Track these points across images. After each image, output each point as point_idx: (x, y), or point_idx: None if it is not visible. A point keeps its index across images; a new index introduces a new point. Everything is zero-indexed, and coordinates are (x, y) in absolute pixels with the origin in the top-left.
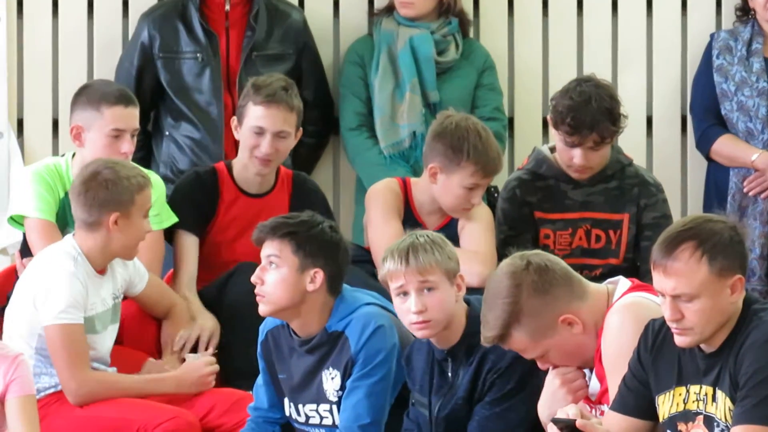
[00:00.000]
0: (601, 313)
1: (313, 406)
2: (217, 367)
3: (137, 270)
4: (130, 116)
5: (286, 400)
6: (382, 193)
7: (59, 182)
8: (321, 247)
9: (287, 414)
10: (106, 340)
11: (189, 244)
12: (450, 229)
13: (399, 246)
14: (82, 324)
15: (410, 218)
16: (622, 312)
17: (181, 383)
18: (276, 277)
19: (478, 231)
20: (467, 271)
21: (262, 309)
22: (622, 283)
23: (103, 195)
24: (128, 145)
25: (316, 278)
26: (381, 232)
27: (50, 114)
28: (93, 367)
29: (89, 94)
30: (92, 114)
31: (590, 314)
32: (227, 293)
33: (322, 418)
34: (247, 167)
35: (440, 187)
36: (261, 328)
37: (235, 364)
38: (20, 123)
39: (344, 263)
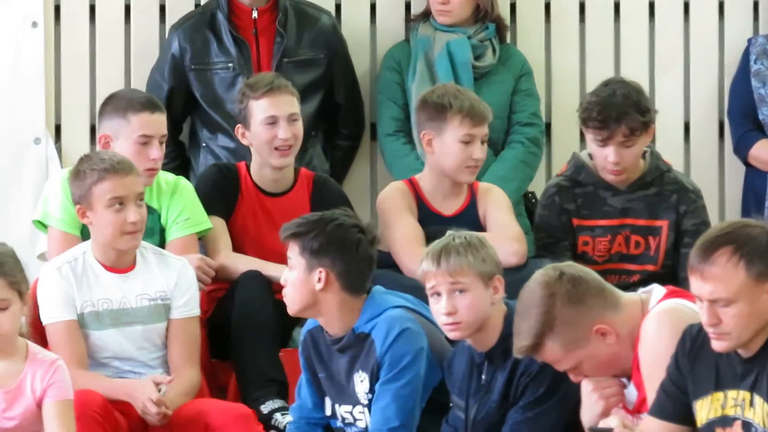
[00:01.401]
0: (636, 322)
1: (349, 408)
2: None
3: (179, 287)
4: (158, 122)
5: (327, 400)
6: (389, 196)
7: None
8: (326, 246)
9: (328, 414)
10: (116, 337)
11: (219, 224)
12: (470, 213)
13: (434, 247)
14: (61, 322)
15: (426, 212)
16: (659, 318)
17: (129, 397)
18: (291, 278)
19: (501, 214)
20: (505, 251)
21: (288, 309)
22: (657, 290)
23: (72, 191)
24: (157, 151)
25: (322, 278)
26: (396, 230)
27: (87, 119)
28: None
29: (115, 103)
30: (119, 122)
31: (624, 324)
32: (234, 303)
33: (356, 419)
34: (263, 168)
35: (438, 153)
36: (303, 328)
37: (247, 375)
38: (58, 129)
39: (360, 261)
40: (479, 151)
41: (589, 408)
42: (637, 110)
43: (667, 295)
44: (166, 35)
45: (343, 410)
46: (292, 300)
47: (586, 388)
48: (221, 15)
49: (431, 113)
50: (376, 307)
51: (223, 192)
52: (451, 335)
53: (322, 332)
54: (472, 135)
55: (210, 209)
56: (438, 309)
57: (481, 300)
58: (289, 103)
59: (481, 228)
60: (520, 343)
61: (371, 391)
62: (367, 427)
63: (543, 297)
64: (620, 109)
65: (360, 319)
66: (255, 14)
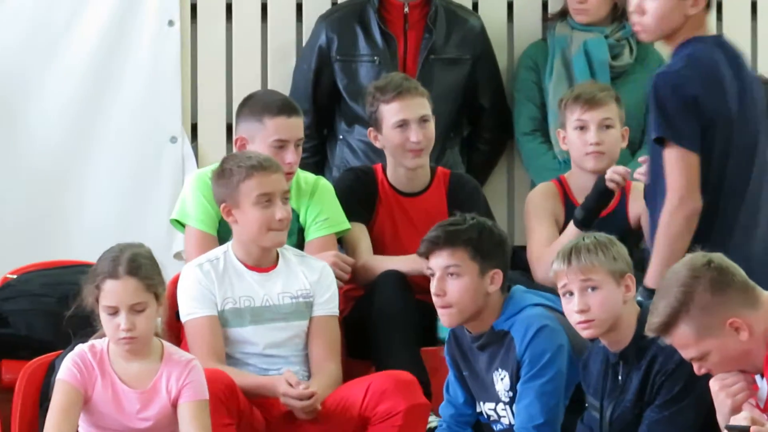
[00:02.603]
0: None
1: (492, 405)
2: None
3: (321, 285)
4: (294, 126)
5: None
6: (531, 199)
7: None
8: (495, 246)
9: (478, 410)
10: (257, 334)
11: (359, 229)
12: (619, 212)
13: (565, 247)
14: (200, 317)
15: (573, 212)
16: None
17: (273, 392)
18: (459, 286)
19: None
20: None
21: (448, 321)
22: None
23: (215, 190)
24: (292, 155)
25: (495, 279)
26: (532, 237)
27: (224, 119)
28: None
29: (252, 105)
30: (255, 125)
31: (760, 322)
32: (374, 302)
33: (500, 416)
34: (397, 169)
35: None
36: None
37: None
38: (194, 128)
39: (510, 259)
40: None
41: (719, 407)
42: None
43: None
44: (304, 32)
45: (487, 407)
46: (462, 308)
47: (713, 388)
48: (371, 9)
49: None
50: (515, 305)
51: (361, 196)
52: (584, 334)
53: (464, 330)
54: (584, 120)
55: (350, 215)
56: (570, 308)
57: (612, 297)
58: (419, 105)
59: (628, 228)
60: (654, 320)
61: (512, 389)
62: (511, 424)
63: (686, 278)
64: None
65: (500, 317)
66: (406, 9)
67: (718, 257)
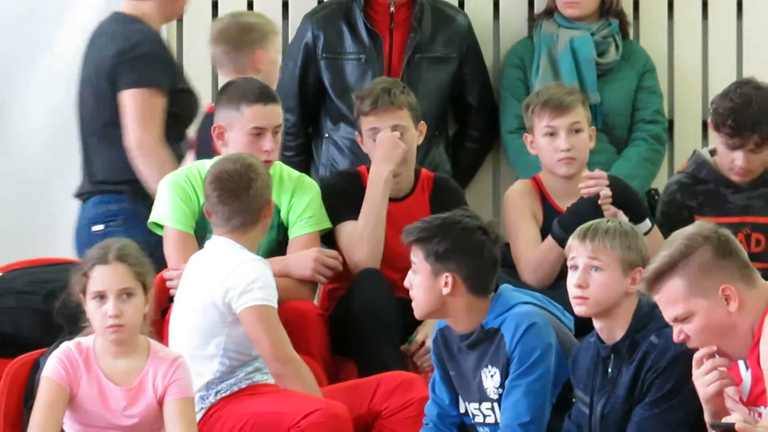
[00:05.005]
0: (761, 308)
1: (476, 405)
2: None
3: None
4: (271, 113)
5: (460, 397)
6: (511, 197)
7: (199, 188)
8: (451, 251)
9: (462, 411)
10: None
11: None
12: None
13: (586, 225)
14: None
15: (550, 210)
16: None
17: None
18: (416, 281)
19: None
20: None
21: (415, 313)
22: None
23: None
24: (270, 143)
25: (449, 282)
26: (514, 237)
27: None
28: None
29: (230, 94)
30: (233, 113)
31: (751, 301)
32: (354, 300)
33: (485, 416)
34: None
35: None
36: (435, 326)
37: (369, 370)
38: None
39: (485, 263)
40: (564, 142)
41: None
42: None
43: None
44: (290, 29)
45: (472, 407)
46: (419, 304)
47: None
48: (357, 7)
49: (526, 115)
50: (504, 304)
51: (351, 197)
52: (577, 310)
53: (451, 330)
54: (553, 126)
55: (344, 214)
56: (571, 281)
57: (614, 283)
58: (395, 117)
59: None
60: (650, 267)
61: (502, 386)
62: (497, 423)
63: (693, 234)
64: (755, 118)
65: (488, 315)
66: (392, 8)
67: (725, 230)
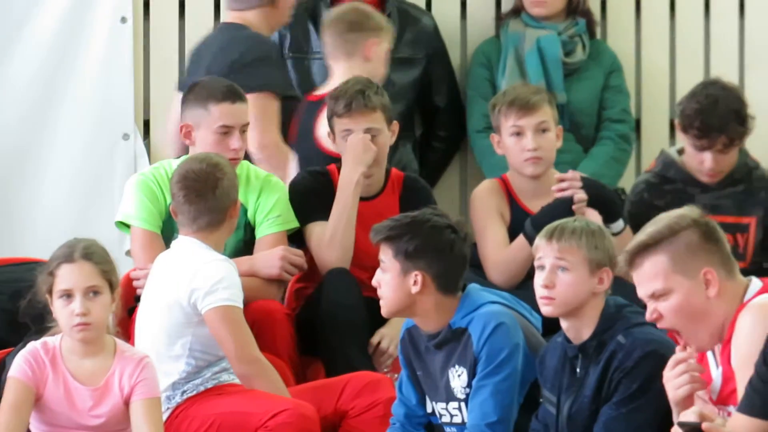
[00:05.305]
0: (736, 301)
1: (443, 404)
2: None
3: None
4: (238, 112)
5: (427, 397)
6: (479, 197)
7: (166, 188)
8: (420, 249)
9: (429, 411)
10: None
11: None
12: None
13: (553, 224)
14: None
15: (518, 211)
16: (754, 312)
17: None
18: (385, 280)
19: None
20: None
21: (382, 311)
22: (755, 282)
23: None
24: (237, 142)
25: (418, 281)
26: (481, 236)
27: None
28: None
29: (197, 93)
30: (200, 112)
31: (728, 292)
32: (322, 300)
33: (452, 416)
34: None
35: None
36: (402, 326)
37: (337, 370)
38: (146, 124)
39: (454, 261)
40: (531, 142)
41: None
42: (737, 120)
43: (763, 289)
44: None
45: (439, 407)
46: (387, 302)
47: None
48: (323, 6)
49: (493, 114)
50: (472, 303)
51: (320, 197)
52: (544, 310)
53: (419, 329)
54: (520, 126)
55: (313, 214)
56: (538, 281)
57: (581, 283)
58: (368, 120)
59: None
60: (635, 240)
61: (469, 385)
62: (464, 423)
63: (682, 215)
64: (722, 119)
65: (456, 315)
66: None
67: (714, 222)
